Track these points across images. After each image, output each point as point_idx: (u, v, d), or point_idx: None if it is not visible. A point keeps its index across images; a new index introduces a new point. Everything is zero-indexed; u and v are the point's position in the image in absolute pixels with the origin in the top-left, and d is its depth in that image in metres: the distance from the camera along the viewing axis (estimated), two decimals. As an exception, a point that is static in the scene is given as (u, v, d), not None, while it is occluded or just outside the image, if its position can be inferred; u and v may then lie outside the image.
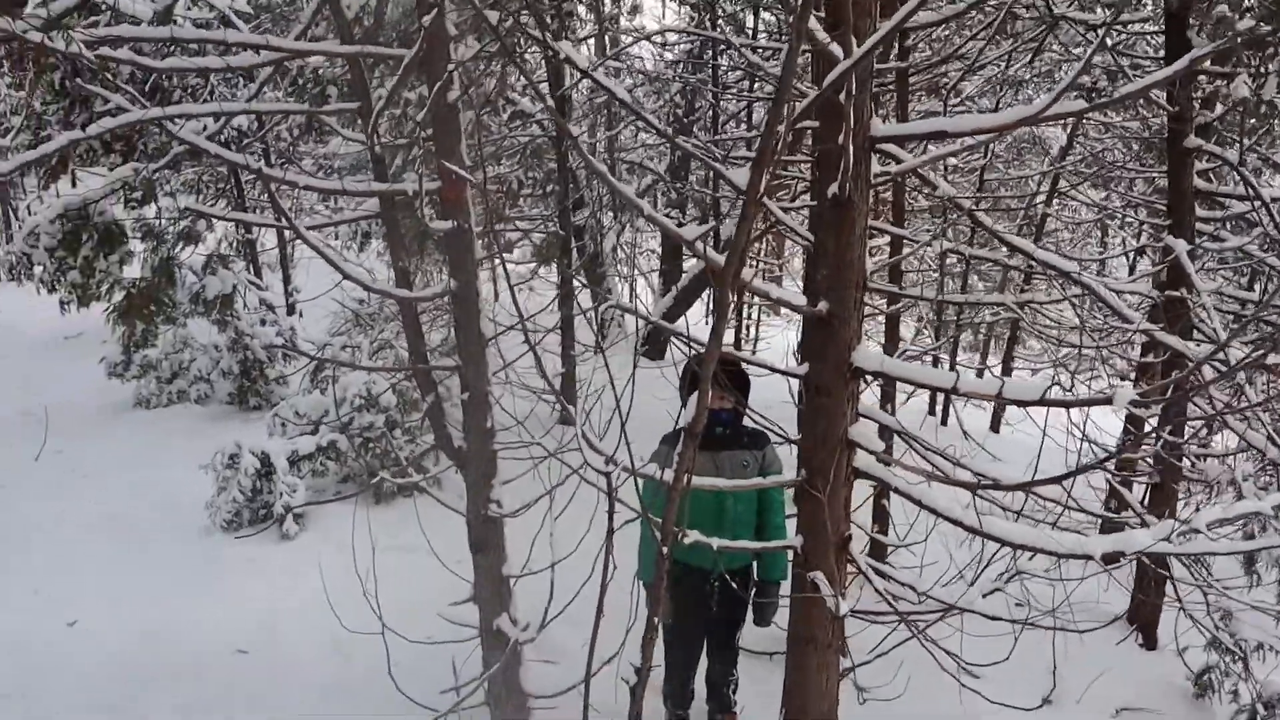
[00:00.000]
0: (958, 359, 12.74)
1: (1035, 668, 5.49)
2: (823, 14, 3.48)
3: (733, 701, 4.88)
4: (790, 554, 4.04)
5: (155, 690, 5.10)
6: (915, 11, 3.07)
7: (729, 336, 12.04)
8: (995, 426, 12.34)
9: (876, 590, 3.82)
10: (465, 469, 4.35)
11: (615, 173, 10.70)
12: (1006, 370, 12.57)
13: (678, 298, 11.52)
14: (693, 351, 3.75)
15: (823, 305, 3.66)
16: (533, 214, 9.48)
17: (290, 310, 10.53)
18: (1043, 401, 3.23)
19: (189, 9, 5.68)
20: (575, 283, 9.75)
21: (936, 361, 9.65)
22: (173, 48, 3.71)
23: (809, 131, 6.17)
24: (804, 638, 3.95)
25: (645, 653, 3.05)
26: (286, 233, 11.60)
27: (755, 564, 4.67)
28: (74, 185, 7.09)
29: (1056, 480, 3.30)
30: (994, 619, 3.97)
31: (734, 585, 4.30)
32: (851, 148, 3.22)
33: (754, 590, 4.60)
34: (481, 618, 4.51)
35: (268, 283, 10.66)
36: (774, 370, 3.93)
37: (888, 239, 7.30)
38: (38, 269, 6.23)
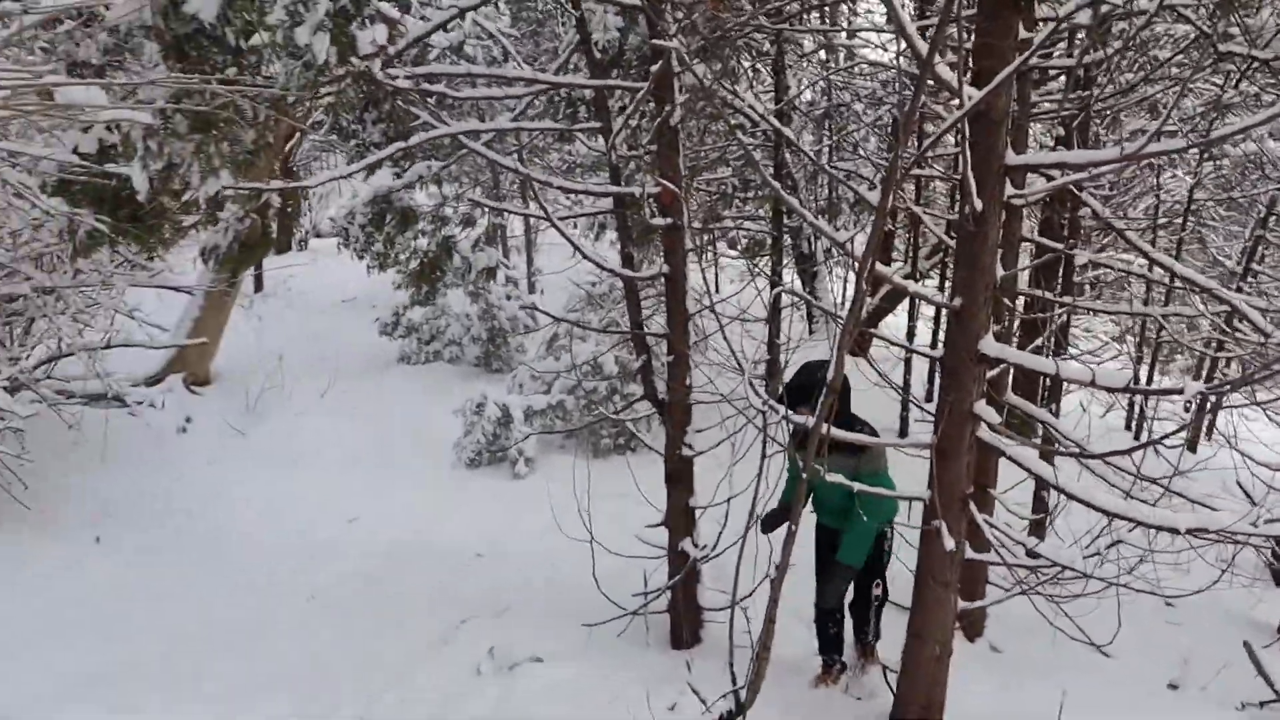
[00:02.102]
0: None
1: (1167, 655, 6.05)
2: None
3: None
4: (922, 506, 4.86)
5: (412, 574, 6.47)
6: (1031, 56, 3.86)
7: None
8: (1193, 446, 12.32)
9: (988, 540, 4.61)
10: (666, 416, 5.43)
11: (829, 180, 11.52)
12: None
13: (881, 300, 12.25)
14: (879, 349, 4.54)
15: (957, 301, 4.48)
16: (749, 214, 10.46)
17: (531, 288, 11.99)
18: (1126, 389, 3.95)
19: (466, 37, 7.01)
20: (786, 277, 10.69)
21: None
22: (467, 80, 4.96)
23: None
24: (927, 576, 4.78)
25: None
26: (533, 221, 13.14)
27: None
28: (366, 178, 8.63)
29: (1127, 451, 4.00)
30: (1088, 576, 4.66)
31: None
32: (972, 176, 4.03)
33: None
34: (670, 540, 5.58)
35: (514, 263, 12.19)
36: (920, 353, 4.78)
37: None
38: (353, 241, 7.83)
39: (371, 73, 3.65)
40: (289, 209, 5.91)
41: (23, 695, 4.23)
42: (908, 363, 9.64)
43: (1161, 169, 10.73)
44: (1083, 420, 8.16)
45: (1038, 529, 7.24)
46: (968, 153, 3.98)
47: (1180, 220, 10.77)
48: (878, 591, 5.32)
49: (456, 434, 8.86)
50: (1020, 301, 7.13)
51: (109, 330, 7.35)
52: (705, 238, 8.98)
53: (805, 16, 7.88)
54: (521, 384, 9.34)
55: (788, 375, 5.09)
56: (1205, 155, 8.69)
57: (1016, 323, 6.74)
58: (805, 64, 10.91)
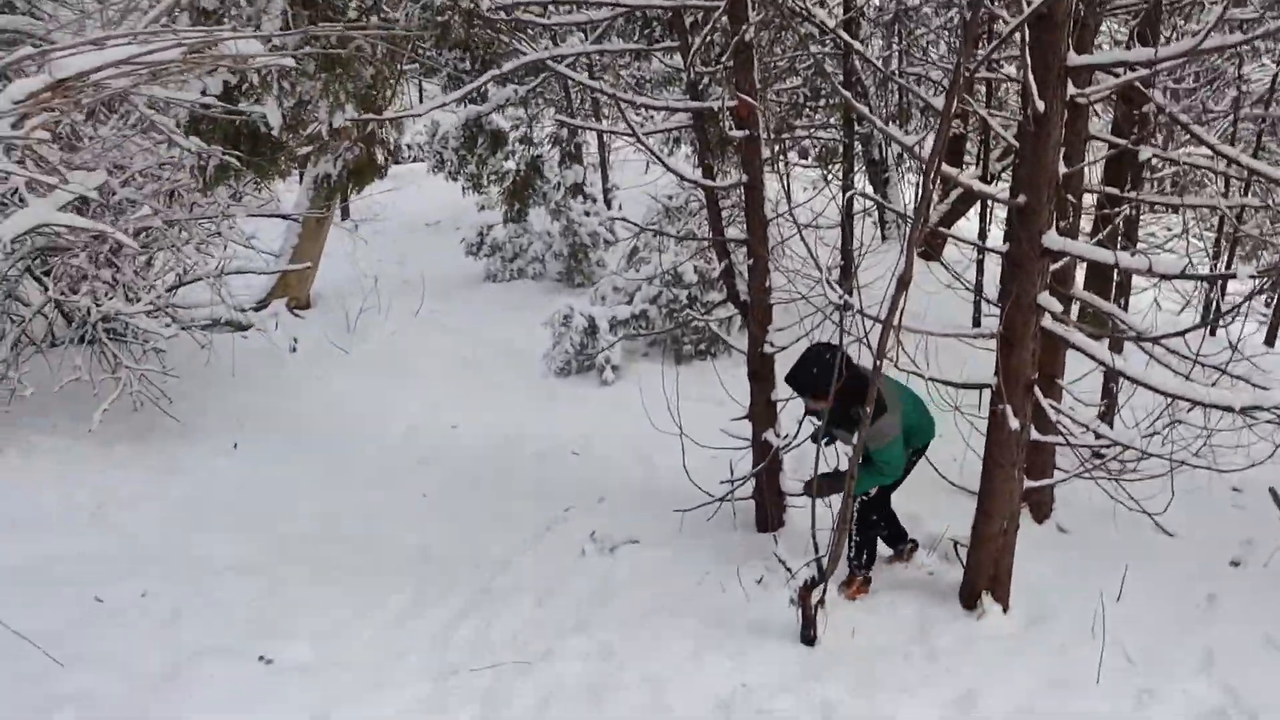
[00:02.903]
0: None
1: (1232, 536, 6.33)
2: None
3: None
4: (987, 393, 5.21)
5: (513, 473, 7.03)
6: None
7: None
8: (1271, 339, 12.31)
9: (1052, 422, 4.96)
10: (747, 316, 5.83)
11: (898, 86, 11.58)
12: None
13: (954, 203, 12.39)
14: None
15: (1021, 198, 4.77)
16: (820, 123, 10.63)
17: (608, 204, 12.35)
18: (1182, 275, 4.23)
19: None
20: (856, 184, 10.90)
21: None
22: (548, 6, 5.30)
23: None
24: (993, 456, 5.15)
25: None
26: (607, 138, 13.44)
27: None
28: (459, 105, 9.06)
29: (1183, 333, 4.30)
30: (1148, 455, 4.99)
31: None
32: (1033, 78, 4.29)
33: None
34: (753, 432, 6.02)
35: (590, 181, 12.55)
36: (988, 250, 5.08)
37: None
38: (447, 164, 8.28)
39: (478, 9, 4.02)
40: (390, 139, 6.35)
41: (185, 575, 4.87)
42: (980, 264, 9.86)
43: (1243, 59, 10.58)
44: (1156, 316, 8.37)
45: (1106, 417, 7.53)
46: (1027, 56, 4.23)
47: (1262, 112, 10.64)
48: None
49: (545, 346, 9.36)
50: (1094, 199, 7.30)
51: (223, 258, 7.94)
52: (778, 147, 9.20)
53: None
54: (604, 296, 9.78)
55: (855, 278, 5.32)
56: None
57: (1089, 219, 6.93)
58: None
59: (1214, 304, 10.45)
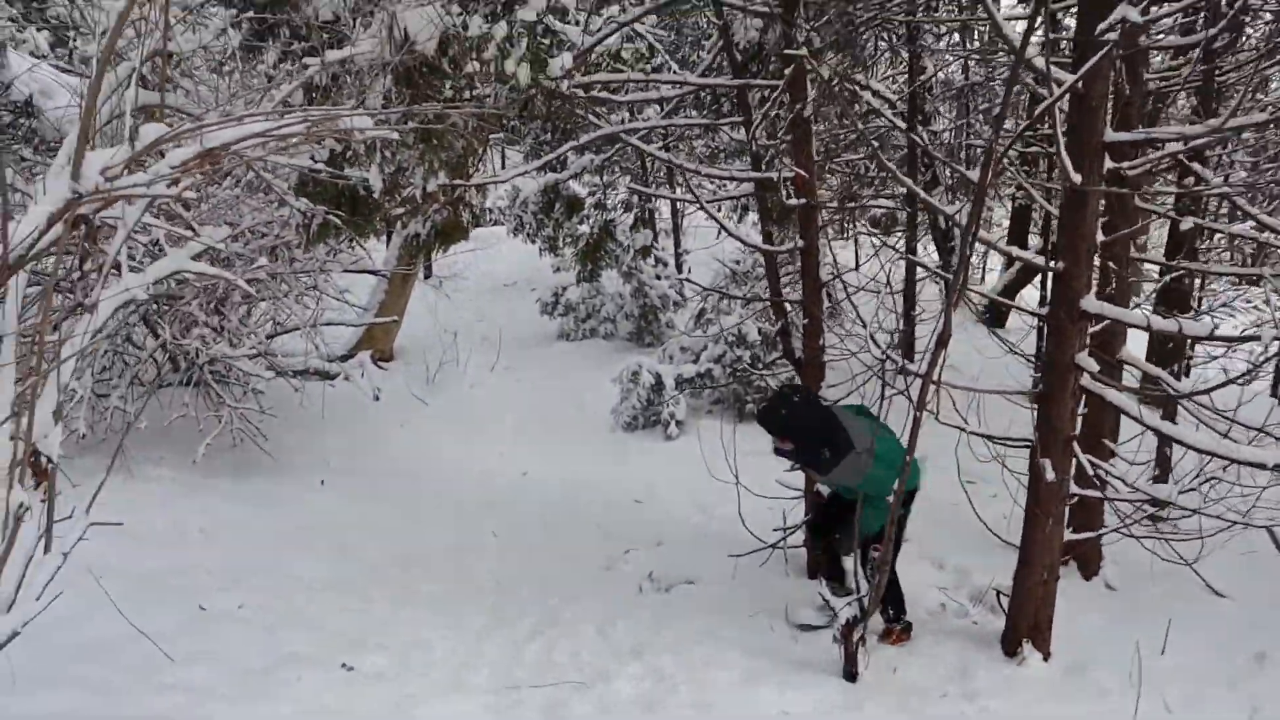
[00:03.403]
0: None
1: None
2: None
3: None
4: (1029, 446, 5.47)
5: (579, 516, 7.42)
6: (1113, 49, 4.44)
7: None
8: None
9: (1088, 475, 5.21)
10: (802, 373, 6.19)
11: (963, 157, 11.96)
12: None
13: (1019, 273, 12.64)
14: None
15: (1060, 264, 5.09)
16: (884, 193, 11.03)
17: (679, 268, 12.86)
18: (1210, 338, 4.50)
19: (623, 43, 7.87)
20: (921, 250, 11.23)
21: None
22: (625, 89, 5.82)
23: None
24: (1033, 510, 5.40)
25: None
26: (679, 205, 13.99)
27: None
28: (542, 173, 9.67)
29: (1209, 390, 4.56)
30: (1190, 512, 5.19)
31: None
32: (1065, 154, 4.64)
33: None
34: (806, 482, 6.34)
35: (662, 245, 13.08)
36: (1026, 311, 5.40)
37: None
38: (526, 226, 8.86)
39: (559, 89, 4.53)
40: (475, 202, 6.91)
41: (279, 591, 5.34)
42: (1039, 330, 10.09)
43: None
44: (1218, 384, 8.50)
45: (1161, 477, 7.67)
46: (1059, 133, 4.58)
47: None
48: (874, 554, 5.38)
49: (613, 401, 9.80)
50: (1154, 268, 7.56)
51: (316, 310, 8.55)
52: (841, 215, 9.58)
53: (934, 8, 8.44)
54: (672, 355, 10.22)
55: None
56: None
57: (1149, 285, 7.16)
58: (942, 43, 11.36)
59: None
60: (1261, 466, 4.76)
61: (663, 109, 6.92)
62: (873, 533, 5.31)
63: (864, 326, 5.23)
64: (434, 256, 10.05)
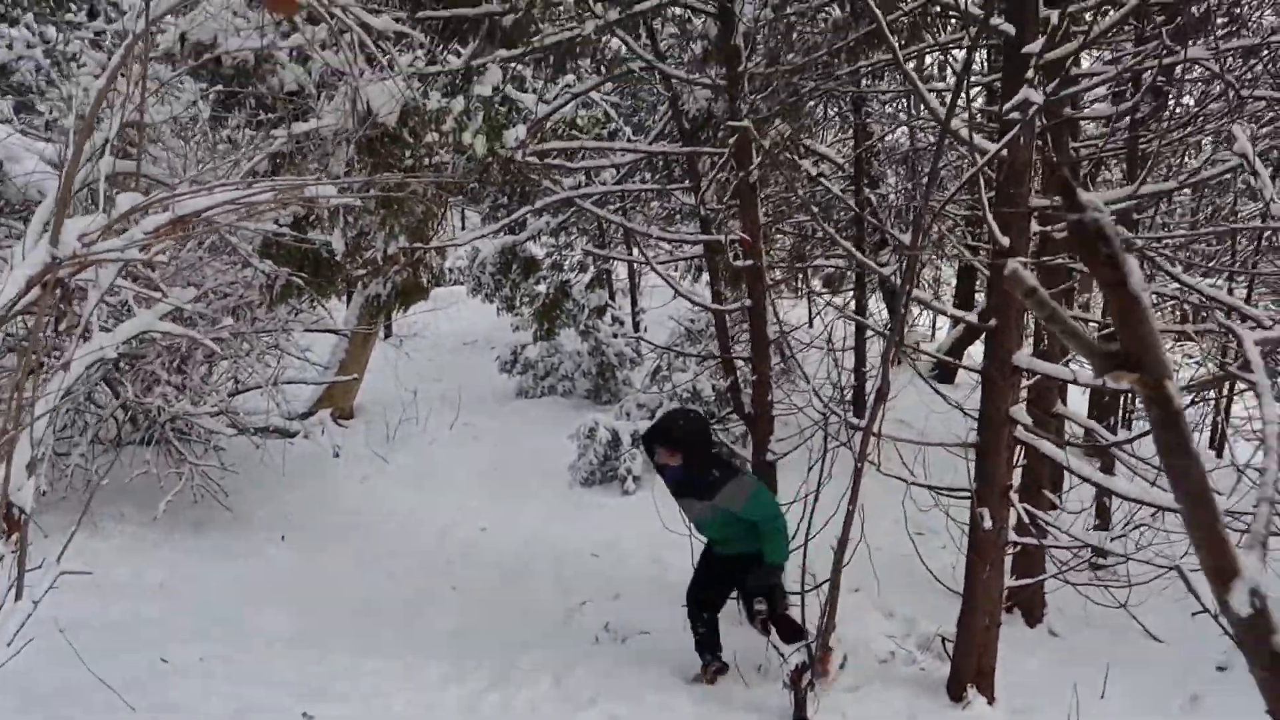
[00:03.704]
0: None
1: (1223, 642, 6.67)
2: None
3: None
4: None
5: (537, 570, 7.55)
6: (1033, 117, 4.78)
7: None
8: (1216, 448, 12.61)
9: (1025, 523, 5.46)
10: (752, 428, 6.42)
11: (909, 219, 12.39)
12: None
13: (965, 331, 13.02)
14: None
15: (992, 321, 5.38)
16: (834, 254, 11.40)
17: (636, 327, 13.11)
18: (1099, 384, 4.78)
19: (578, 110, 8.19)
20: (870, 308, 11.57)
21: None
22: (581, 154, 6.10)
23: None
24: (974, 557, 5.62)
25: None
26: (636, 266, 14.29)
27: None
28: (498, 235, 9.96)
29: (1134, 439, 4.83)
30: (1123, 558, 5.45)
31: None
32: (992, 218, 4.95)
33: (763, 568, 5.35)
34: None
35: (619, 304, 13.35)
36: (965, 368, 5.68)
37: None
38: (484, 287, 9.08)
39: (514, 159, 4.79)
40: (435, 263, 7.10)
41: (241, 642, 5.43)
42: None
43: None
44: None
45: (1102, 525, 7.95)
46: (984, 200, 4.90)
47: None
48: (760, 607, 5.38)
49: (571, 457, 9.96)
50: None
51: (277, 369, 8.68)
52: (791, 274, 9.89)
53: (879, 77, 8.84)
54: (629, 412, 10.41)
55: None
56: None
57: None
58: (889, 108, 11.83)
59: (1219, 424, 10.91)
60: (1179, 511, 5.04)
61: (618, 173, 7.20)
62: (782, 561, 5.32)
63: (808, 382, 5.47)
64: (394, 316, 10.23)
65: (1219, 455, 10.60)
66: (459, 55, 5.27)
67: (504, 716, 4.91)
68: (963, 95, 4.79)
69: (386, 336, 15.77)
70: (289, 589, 6.45)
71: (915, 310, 13.33)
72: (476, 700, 5.08)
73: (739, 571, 5.48)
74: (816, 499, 5.31)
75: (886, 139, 12.30)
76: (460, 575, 7.26)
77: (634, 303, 14.15)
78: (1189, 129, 7.24)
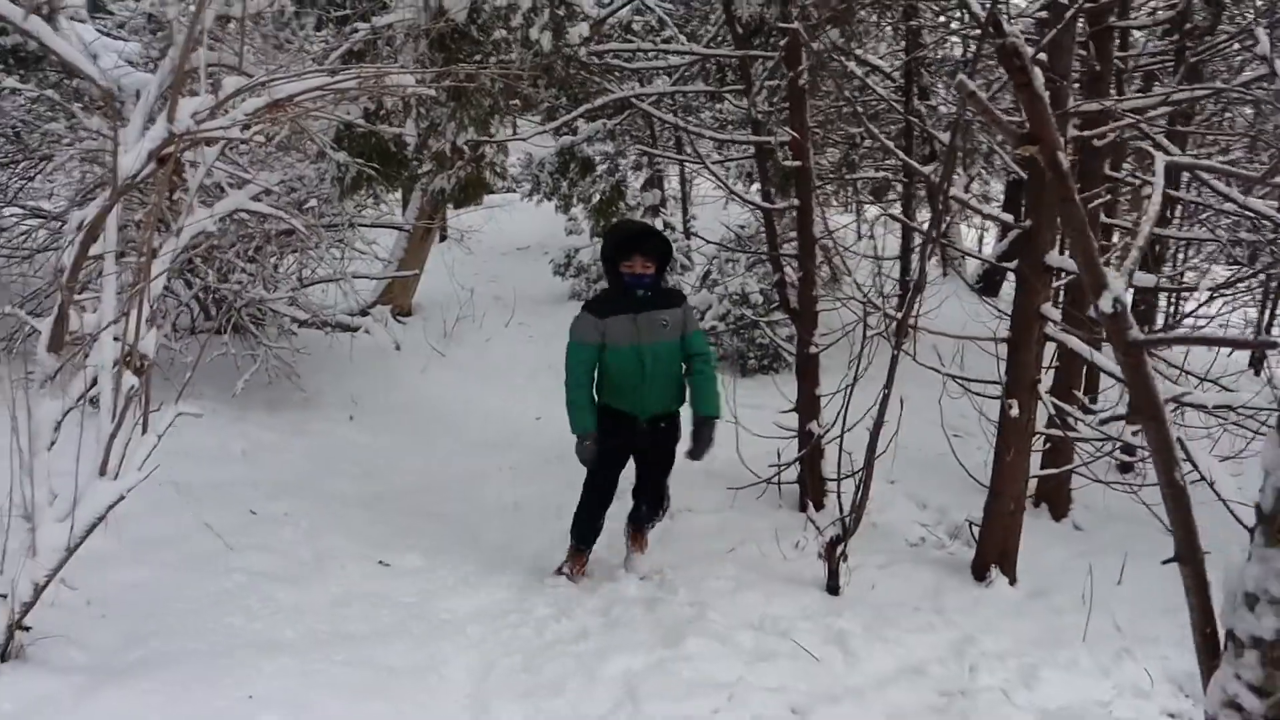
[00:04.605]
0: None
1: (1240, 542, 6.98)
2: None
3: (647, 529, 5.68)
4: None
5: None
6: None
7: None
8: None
9: (1050, 414, 5.76)
10: (797, 322, 6.73)
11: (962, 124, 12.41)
12: None
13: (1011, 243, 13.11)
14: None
15: (1027, 222, 5.61)
16: (882, 165, 11.51)
17: (687, 235, 13.36)
18: (1157, 289, 5.03)
19: (633, 15, 8.35)
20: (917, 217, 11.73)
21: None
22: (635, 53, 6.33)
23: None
24: (1002, 444, 5.94)
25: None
26: (688, 173, 14.48)
27: (694, 402, 5.20)
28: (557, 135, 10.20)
29: (1160, 339, 5.07)
30: (1145, 454, 5.72)
31: (661, 427, 5.19)
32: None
33: (693, 426, 5.17)
34: (799, 423, 6.89)
35: (671, 211, 13.58)
36: (1002, 265, 5.92)
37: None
38: (542, 186, 9.39)
39: (578, 55, 5.06)
40: (495, 162, 7.40)
41: (319, 502, 5.95)
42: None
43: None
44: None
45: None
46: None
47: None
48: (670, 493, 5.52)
49: (622, 356, 10.34)
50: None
51: (342, 261, 9.11)
52: (839, 183, 10.04)
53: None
54: (677, 314, 10.75)
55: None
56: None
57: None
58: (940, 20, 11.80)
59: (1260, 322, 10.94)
60: (1203, 408, 5.32)
61: (671, 78, 7.41)
62: (718, 415, 5.19)
63: (849, 275, 5.76)
64: (452, 215, 10.57)
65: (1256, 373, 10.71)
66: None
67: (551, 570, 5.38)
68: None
69: (443, 239, 16.17)
70: (358, 461, 6.96)
71: (958, 214, 13.42)
72: (533, 559, 5.55)
73: (653, 452, 5.33)
74: (851, 391, 5.60)
75: (939, 50, 12.27)
76: (514, 458, 7.70)
77: (685, 211, 14.38)
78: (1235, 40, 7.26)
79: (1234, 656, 1.57)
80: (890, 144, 5.61)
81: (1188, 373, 5.85)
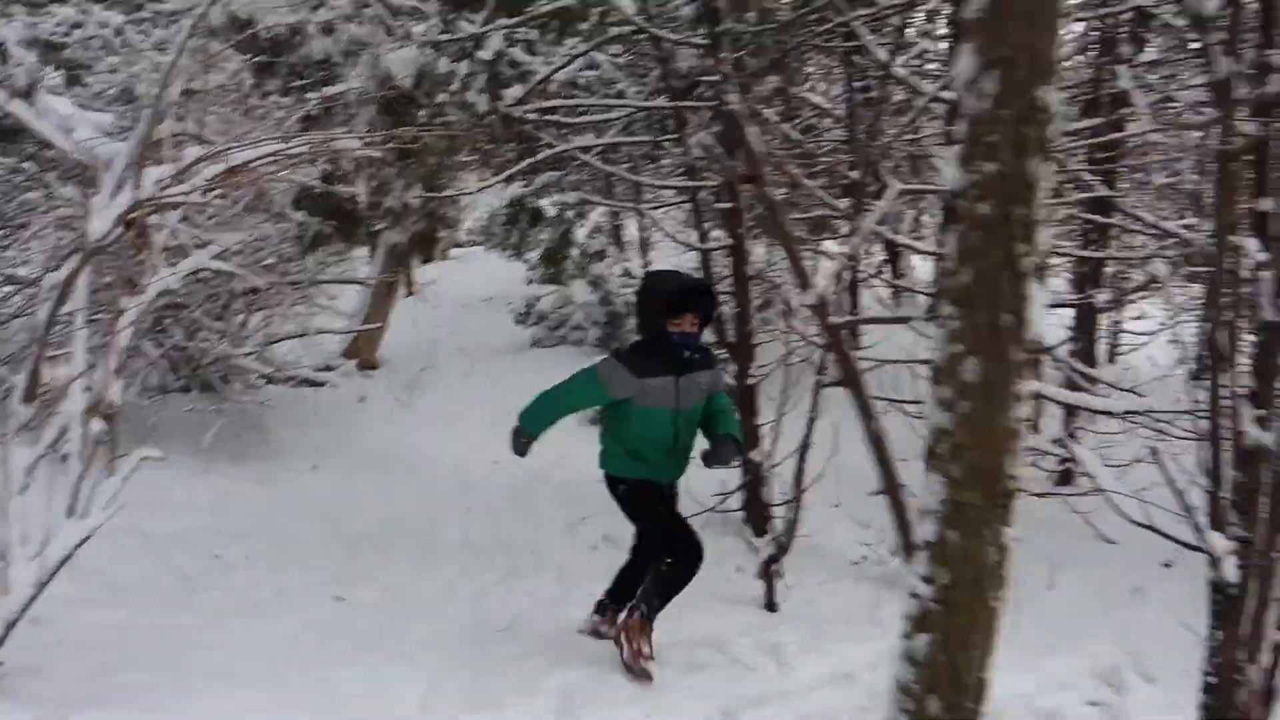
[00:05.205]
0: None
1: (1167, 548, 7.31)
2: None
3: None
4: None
5: (544, 494, 8.27)
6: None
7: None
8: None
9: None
10: (734, 355, 7.10)
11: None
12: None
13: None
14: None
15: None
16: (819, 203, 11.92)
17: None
18: (1059, 304, 5.43)
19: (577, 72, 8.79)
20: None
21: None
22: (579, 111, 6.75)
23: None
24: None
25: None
26: (647, 220, 14.94)
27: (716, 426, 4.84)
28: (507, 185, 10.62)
29: (1054, 348, 5.48)
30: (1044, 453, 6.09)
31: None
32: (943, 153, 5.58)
33: (713, 444, 4.83)
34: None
35: (629, 257, 14.04)
36: (923, 294, 6.35)
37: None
38: (494, 236, 9.80)
39: (512, 114, 5.46)
40: (450, 215, 7.73)
41: (281, 546, 6.25)
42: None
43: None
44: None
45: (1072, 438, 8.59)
46: (936, 139, 5.55)
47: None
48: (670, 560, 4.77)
49: (582, 399, 10.67)
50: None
51: (306, 317, 9.44)
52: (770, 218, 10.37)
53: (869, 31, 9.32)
54: (635, 355, 11.10)
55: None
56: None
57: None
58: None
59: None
60: (1110, 414, 5.71)
61: (613, 131, 7.83)
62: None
63: (787, 309, 6.15)
64: (414, 268, 10.96)
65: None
66: (471, 23, 5.93)
67: (507, 602, 5.67)
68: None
69: (408, 295, 16.52)
70: (320, 507, 7.27)
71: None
72: (484, 592, 5.86)
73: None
74: (779, 418, 5.94)
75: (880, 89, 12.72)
76: (473, 499, 8.00)
77: (644, 254, 14.83)
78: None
79: (916, 556, 2.03)
80: (814, 186, 6.03)
81: (1104, 382, 6.27)
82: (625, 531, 7.04)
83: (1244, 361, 3.94)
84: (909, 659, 2.05)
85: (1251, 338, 3.92)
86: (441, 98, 5.15)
